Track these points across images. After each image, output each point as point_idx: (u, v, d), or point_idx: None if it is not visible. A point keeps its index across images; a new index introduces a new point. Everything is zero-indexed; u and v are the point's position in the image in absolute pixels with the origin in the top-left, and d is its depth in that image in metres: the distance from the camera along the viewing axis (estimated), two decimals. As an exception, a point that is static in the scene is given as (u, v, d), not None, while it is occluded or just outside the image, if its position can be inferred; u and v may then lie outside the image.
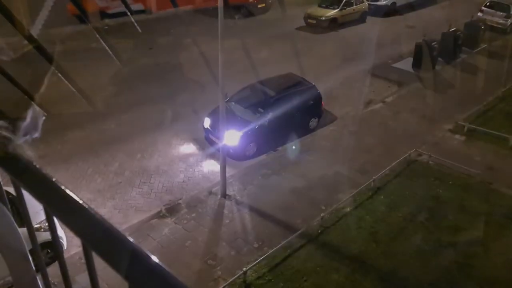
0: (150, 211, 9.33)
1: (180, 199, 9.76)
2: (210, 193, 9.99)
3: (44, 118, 1.16)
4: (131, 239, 0.87)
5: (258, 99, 11.78)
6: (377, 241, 9.00)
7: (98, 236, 0.93)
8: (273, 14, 22.44)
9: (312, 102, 12.47)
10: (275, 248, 8.43)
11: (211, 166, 10.81)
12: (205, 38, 17.73)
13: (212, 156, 11.07)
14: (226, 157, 9.70)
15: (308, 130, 12.56)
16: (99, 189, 9.76)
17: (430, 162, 11.44)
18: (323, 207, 9.66)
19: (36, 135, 1.15)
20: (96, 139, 11.45)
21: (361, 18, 22.30)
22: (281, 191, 10.22)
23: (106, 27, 18.69)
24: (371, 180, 10.33)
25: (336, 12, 21.19)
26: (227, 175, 9.91)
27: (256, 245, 8.70)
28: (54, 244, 1.34)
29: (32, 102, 1.14)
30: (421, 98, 14.97)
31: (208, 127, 11.46)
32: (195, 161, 11.06)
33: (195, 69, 15.11)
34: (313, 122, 12.69)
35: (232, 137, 10.59)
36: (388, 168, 10.88)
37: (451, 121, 13.37)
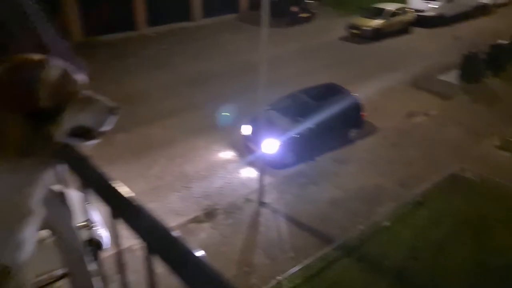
0: (188, 215, 9.48)
1: (218, 204, 9.85)
2: (247, 200, 10.04)
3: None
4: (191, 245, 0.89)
5: (297, 108, 11.77)
6: (417, 258, 8.75)
7: (160, 240, 0.96)
8: (316, 24, 22.42)
9: (352, 112, 12.32)
10: (311, 259, 8.36)
11: (249, 173, 10.86)
12: (248, 46, 17.95)
13: (250, 163, 11.13)
14: (264, 165, 9.73)
15: (347, 141, 12.40)
16: (140, 191, 10.00)
17: (475, 178, 11.04)
18: (362, 220, 9.50)
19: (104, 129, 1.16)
20: (140, 142, 11.76)
21: (406, 29, 21.89)
22: (318, 201, 10.12)
23: (154, 34, 19.22)
24: (413, 194, 10.07)
25: (380, 22, 20.91)
26: (265, 183, 9.92)
27: (291, 255, 8.65)
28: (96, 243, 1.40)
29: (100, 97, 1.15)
30: (467, 112, 14.51)
31: (247, 134, 11.54)
32: (234, 167, 11.15)
33: (238, 77, 15.29)
34: (353, 133, 12.52)
35: (270, 145, 10.61)
36: (430, 182, 10.59)
37: (499, 137, 12.88)
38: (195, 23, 21.54)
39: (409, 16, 22.13)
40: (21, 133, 0.94)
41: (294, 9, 22.13)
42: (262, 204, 9.88)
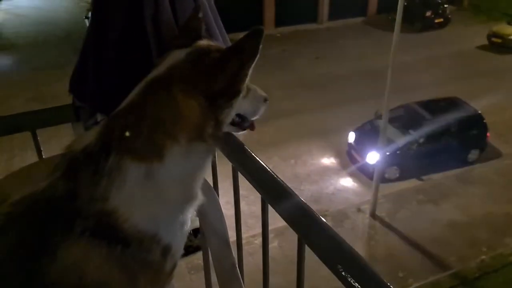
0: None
1: (327, 210, 9.65)
2: (359, 210, 9.68)
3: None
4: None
5: (410, 120, 10.99)
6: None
7: (311, 228, 1.01)
8: (451, 30, 20.84)
9: (475, 131, 11.15)
10: (421, 283, 7.79)
11: (363, 183, 10.46)
12: (372, 50, 17.35)
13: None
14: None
15: (465, 162, 11.20)
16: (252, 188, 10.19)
17: None
18: (485, 249, 8.61)
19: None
20: (255, 140, 12.00)
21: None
22: (436, 222, 9.39)
23: (279, 35, 19.56)
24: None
25: (528, 31, 18.73)
26: (379, 194, 9.47)
27: (400, 275, 8.13)
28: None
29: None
30: None
31: (352, 143, 11.09)
32: (347, 174, 10.83)
33: (359, 82, 14.86)
34: (473, 154, 11.26)
35: (374, 156, 9.98)
36: None
37: None
38: (320, 25, 21.43)
39: None
40: (199, 116, 0.98)
41: (428, 13, 20.81)
42: (374, 216, 9.45)
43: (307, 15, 21.08)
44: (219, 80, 0.98)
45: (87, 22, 18.05)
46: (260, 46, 0.98)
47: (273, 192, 1.14)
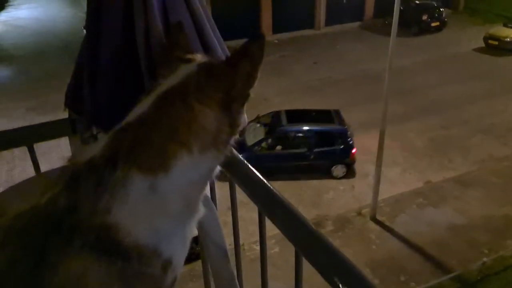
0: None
1: (327, 215, 9.66)
2: (359, 214, 9.69)
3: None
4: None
5: (271, 127, 11.18)
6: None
7: (309, 242, 1.01)
8: (448, 33, 20.95)
9: (337, 146, 10.92)
10: (423, 286, 7.78)
11: (361, 186, 10.48)
12: (369, 55, 17.43)
13: (365, 176, 10.73)
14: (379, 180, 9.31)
15: (331, 176, 10.90)
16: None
17: None
18: (486, 252, 8.61)
19: None
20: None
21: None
22: (436, 225, 9.40)
23: (276, 41, 19.63)
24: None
25: (525, 33, 18.82)
26: (379, 198, 9.49)
27: (402, 279, 8.13)
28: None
29: None
30: None
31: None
32: (346, 178, 10.85)
33: (357, 86, 14.94)
34: (338, 169, 10.90)
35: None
36: None
37: None
38: (318, 31, 21.53)
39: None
40: (215, 123, 1.00)
41: (424, 17, 20.91)
42: (374, 220, 9.46)
43: (304, 21, 21.19)
44: (231, 85, 1.01)
45: (84, 32, 18.10)
46: (264, 49, 1.01)
47: (270, 204, 1.16)
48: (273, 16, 20.49)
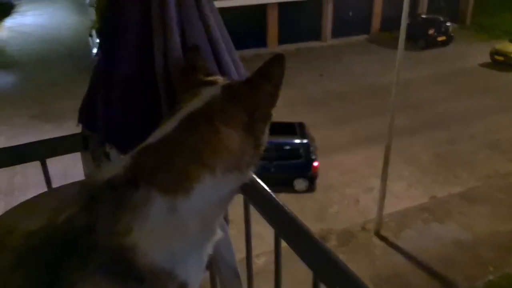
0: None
1: (332, 229, 9.53)
2: (363, 229, 9.57)
3: None
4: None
5: None
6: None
7: (327, 268, 1.01)
8: (454, 48, 20.92)
9: (298, 160, 10.73)
10: (428, 304, 7.62)
11: (367, 201, 10.35)
12: (376, 68, 17.40)
13: (370, 190, 10.61)
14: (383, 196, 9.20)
15: (293, 190, 10.67)
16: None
17: None
18: (491, 269, 8.47)
19: None
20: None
21: None
22: (441, 241, 9.26)
23: (283, 52, 19.57)
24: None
25: (532, 49, 18.76)
26: (384, 213, 9.37)
27: (407, 296, 7.99)
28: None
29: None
30: None
31: None
32: (352, 193, 10.73)
33: (363, 99, 14.89)
34: (300, 183, 10.71)
35: None
36: None
37: None
38: (324, 42, 21.56)
39: None
40: (239, 145, 1.01)
41: (431, 31, 20.90)
42: (379, 235, 9.32)
43: (311, 32, 21.22)
44: (255, 107, 1.03)
45: (91, 40, 18.20)
46: (284, 69, 1.04)
47: (287, 228, 1.17)
48: (279, 27, 20.54)
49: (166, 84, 1.30)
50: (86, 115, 1.53)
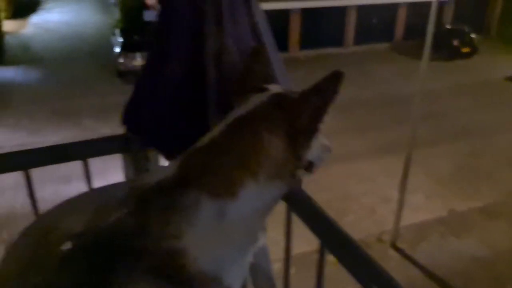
0: (312, 245, 9.17)
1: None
2: (379, 240, 9.40)
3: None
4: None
5: None
6: None
7: (378, 282, 0.99)
8: (479, 60, 20.54)
9: None
10: (444, 321, 7.43)
11: (384, 212, 10.18)
12: (399, 77, 17.20)
13: (387, 200, 10.44)
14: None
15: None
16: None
17: None
18: (510, 287, 8.21)
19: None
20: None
21: None
22: (459, 256, 9.04)
23: (303, 58, 19.60)
24: None
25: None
26: (401, 225, 9.19)
27: (422, 311, 7.80)
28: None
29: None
30: None
31: None
32: (366, 202, 10.58)
33: (384, 108, 14.73)
34: None
35: None
36: None
37: None
38: (346, 49, 21.43)
39: None
40: (282, 154, 1.02)
41: (455, 42, 20.58)
42: (394, 247, 9.15)
43: (333, 38, 21.12)
44: (301, 118, 1.03)
45: (113, 39, 18.40)
46: (339, 87, 1.03)
47: (334, 241, 1.17)
48: (302, 32, 20.49)
49: (218, 88, 1.29)
50: (129, 117, 1.53)
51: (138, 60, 16.28)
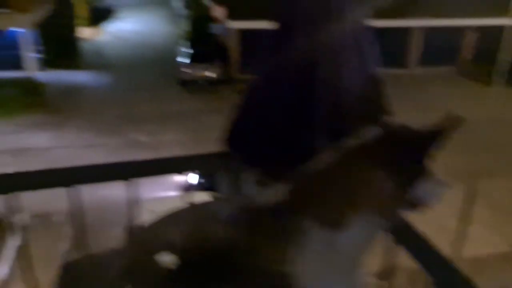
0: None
1: (398, 268, 9.07)
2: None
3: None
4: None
5: None
6: None
7: None
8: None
9: None
10: None
11: (440, 242, 9.74)
12: (462, 104, 16.48)
13: (444, 230, 9.99)
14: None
15: None
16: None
17: None
18: None
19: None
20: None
21: None
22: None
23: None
24: None
25: None
26: (458, 256, 8.77)
27: None
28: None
29: None
30: None
31: None
32: (423, 231, 10.17)
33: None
34: None
35: None
36: None
37: None
38: (408, 70, 20.86)
39: None
40: (388, 193, 1.01)
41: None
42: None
43: (395, 59, 20.65)
44: (413, 160, 1.03)
45: (178, 49, 19.03)
46: (451, 135, 1.04)
47: (447, 277, 1.15)
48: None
49: (330, 115, 1.24)
50: (232, 136, 1.48)
51: (202, 71, 16.73)
